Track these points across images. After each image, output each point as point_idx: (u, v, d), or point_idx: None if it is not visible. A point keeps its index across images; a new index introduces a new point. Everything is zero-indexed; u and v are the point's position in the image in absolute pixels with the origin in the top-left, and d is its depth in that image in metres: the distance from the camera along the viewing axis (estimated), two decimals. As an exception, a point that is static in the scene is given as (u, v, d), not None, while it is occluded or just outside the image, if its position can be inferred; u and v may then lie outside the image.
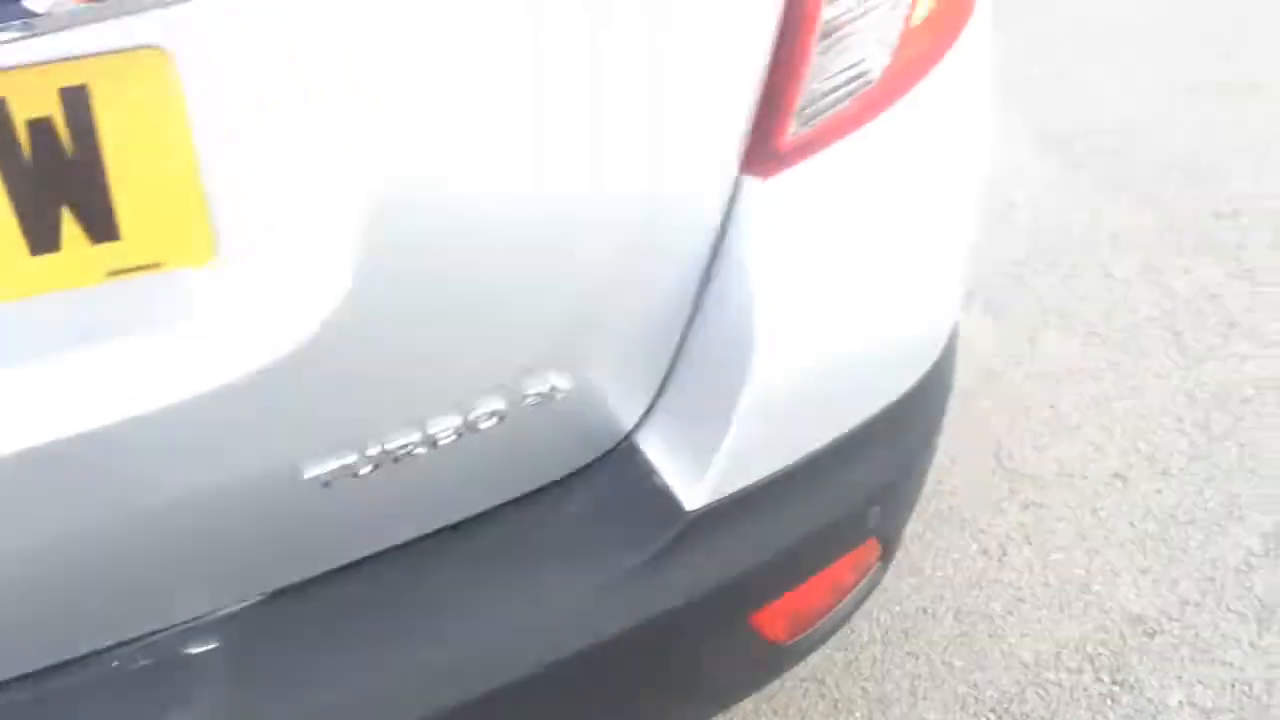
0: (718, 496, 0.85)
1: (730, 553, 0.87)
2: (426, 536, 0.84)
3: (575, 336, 0.79)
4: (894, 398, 0.92)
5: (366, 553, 0.82)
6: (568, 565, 0.84)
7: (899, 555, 1.69)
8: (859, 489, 0.93)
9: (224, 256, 0.66)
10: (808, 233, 0.81)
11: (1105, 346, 2.01)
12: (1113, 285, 2.13)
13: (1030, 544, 1.72)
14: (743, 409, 0.82)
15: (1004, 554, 1.71)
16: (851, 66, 0.78)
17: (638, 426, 0.89)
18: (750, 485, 0.86)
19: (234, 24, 0.59)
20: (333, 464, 0.76)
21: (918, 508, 1.72)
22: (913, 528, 1.74)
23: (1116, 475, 1.81)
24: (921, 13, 0.80)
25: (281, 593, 0.82)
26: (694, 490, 0.85)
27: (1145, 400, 1.92)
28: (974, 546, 1.73)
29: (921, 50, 0.82)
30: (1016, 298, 2.10)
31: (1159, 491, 1.78)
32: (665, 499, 0.86)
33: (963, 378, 1.92)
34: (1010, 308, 2.08)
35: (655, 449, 0.88)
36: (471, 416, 0.79)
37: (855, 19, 0.76)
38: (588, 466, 0.89)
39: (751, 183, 0.79)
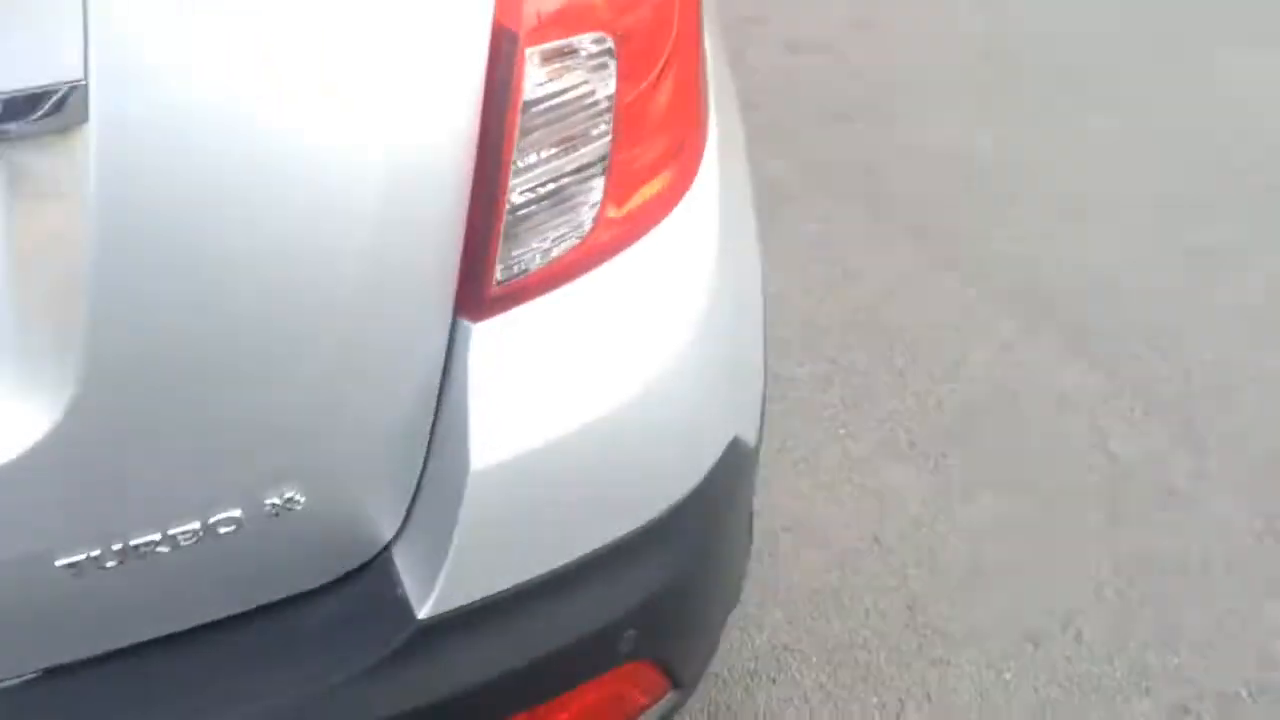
0: (446, 608, 0.94)
1: (458, 664, 0.94)
2: (183, 632, 0.94)
3: (305, 457, 0.89)
4: (640, 523, 0.99)
5: (119, 643, 0.92)
6: (302, 668, 0.93)
7: (800, 706, 1.72)
8: (604, 611, 1.00)
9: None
10: (517, 371, 0.91)
11: (1037, 506, 2.03)
12: (1055, 446, 2.15)
13: (930, 702, 1.73)
14: (460, 530, 0.92)
15: (901, 709, 1.72)
16: (548, 236, 0.89)
17: (394, 540, 0.98)
18: (481, 600, 0.94)
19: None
20: (79, 555, 0.86)
21: (825, 656, 1.76)
22: (816, 677, 1.77)
23: (1028, 638, 1.81)
24: (625, 194, 0.92)
25: (43, 676, 0.92)
26: (425, 601, 0.94)
27: (1069, 563, 1.93)
28: (874, 700, 1.74)
29: (629, 221, 0.93)
30: (955, 452, 2.13)
31: (1068, 658, 1.78)
32: (403, 608, 0.94)
33: (886, 528, 1.97)
34: (947, 462, 2.11)
35: (403, 562, 0.97)
36: (210, 521, 0.89)
37: (544, 201, 0.88)
38: (346, 575, 0.98)
39: (465, 325, 0.90)
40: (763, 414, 1.25)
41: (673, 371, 0.96)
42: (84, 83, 0.72)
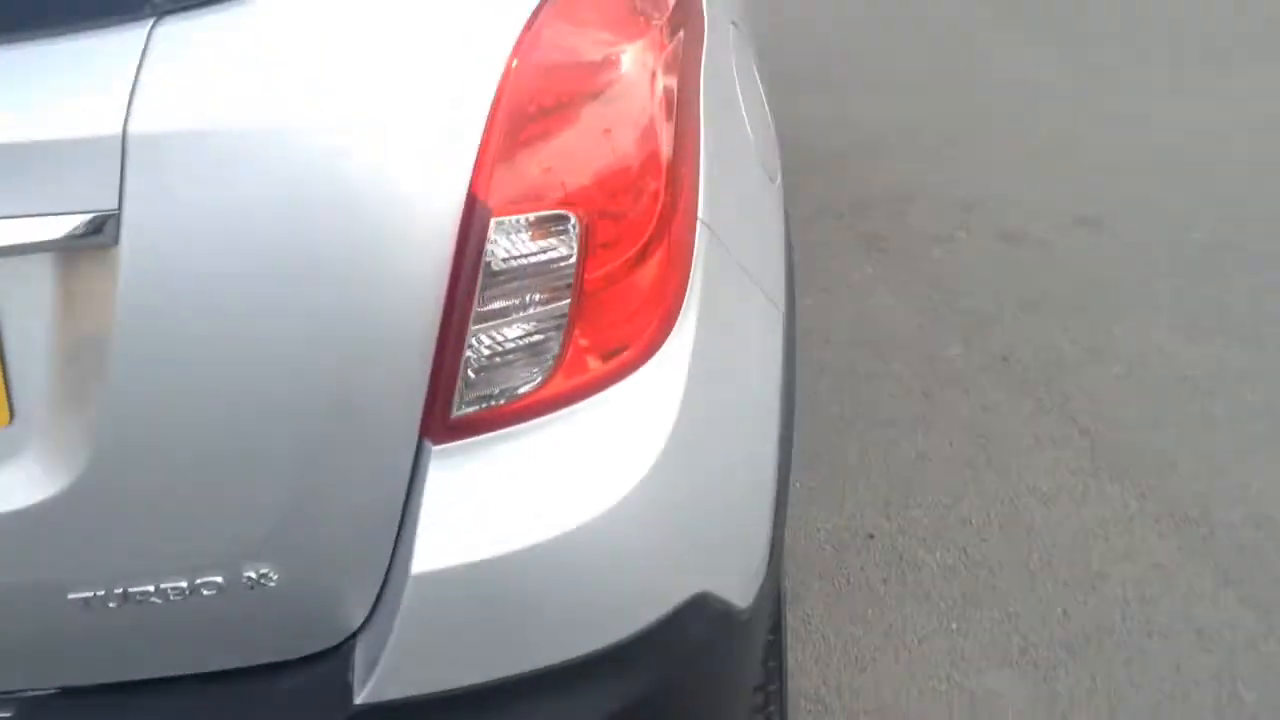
0: (379, 699, 1.05)
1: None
2: (164, 679, 1.10)
3: (281, 542, 1.04)
4: (569, 657, 1.07)
5: (110, 677, 1.09)
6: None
7: None
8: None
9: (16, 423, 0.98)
10: (465, 491, 1.03)
11: (1141, 741, 1.91)
12: (1180, 682, 2.02)
13: None
14: (399, 627, 1.03)
15: None
16: (499, 384, 1.01)
17: (359, 631, 1.10)
18: (411, 697, 1.05)
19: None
20: (87, 592, 1.04)
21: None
22: None
23: None
24: (580, 357, 1.03)
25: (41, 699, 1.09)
26: (363, 689, 1.05)
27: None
28: None
29: (582, 381, 1.04)
30: (1068, 669, 2.04)
31: None
32: (346, 693, 1.06)
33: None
34: (1056, 677, 2.02)
35: (361, 652, 1.09)
36: (196, 582, 1.05)
37: (500, 354, 1.00)
38: (314, 655, 1.11)
39: (428, 445, 1.02)
40: (770, 579, 1.30)
41: (608, 517, 1.05)
42: (116, 213, 0.91)
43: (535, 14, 0.99)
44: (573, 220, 1.00)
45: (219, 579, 1.04)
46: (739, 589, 1.23)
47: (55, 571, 1.03)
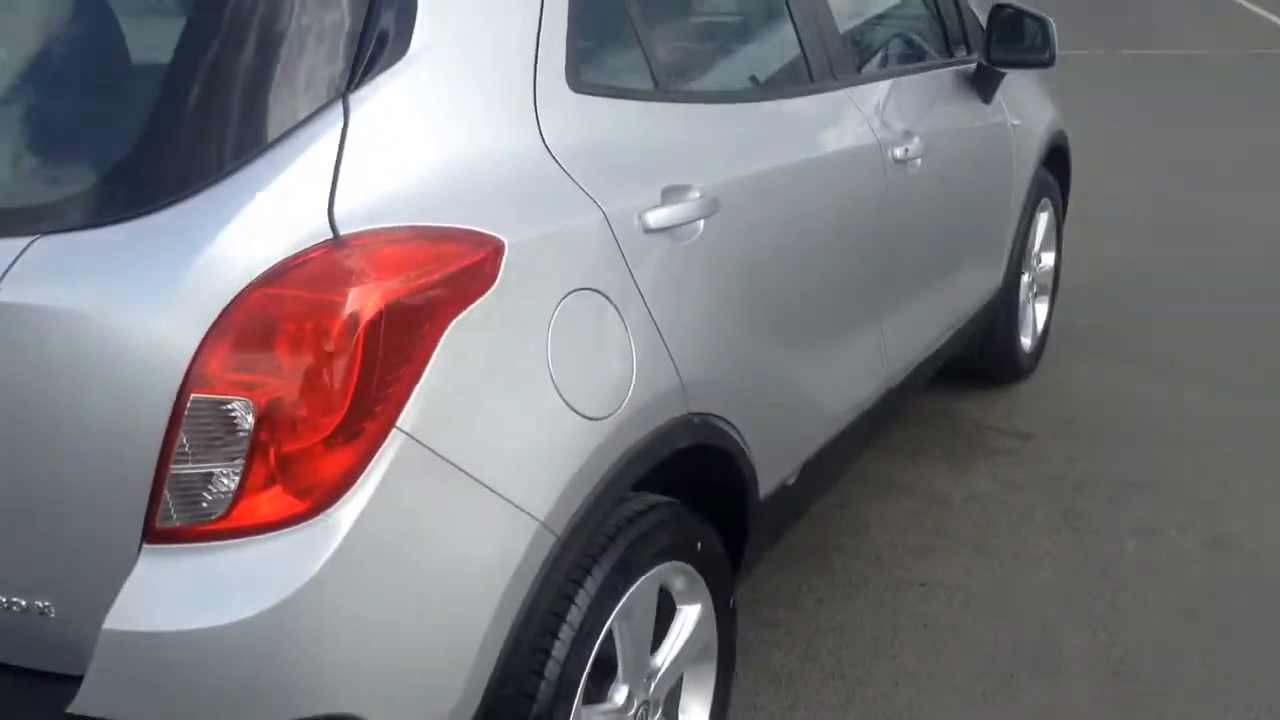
0: (78, 711, 1.48)
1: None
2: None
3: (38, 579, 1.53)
4: None
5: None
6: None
7: None
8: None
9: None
10: (160, 579, 1.45)
11: None
12: None
13: None
14: (91, 668, 1.48)
15: None
16: (184, 512, 1.44)
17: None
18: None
19: None
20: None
21: None
22: None
23: None
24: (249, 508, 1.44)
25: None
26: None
27: None
28: None
29: (252, 519, 1.43)
30: None
31: None
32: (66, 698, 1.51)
33: None
34: None
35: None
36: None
37: (189, 490, 1.44)
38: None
39: (147, 549, 1.46)
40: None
41: (244, 625, 1.43)
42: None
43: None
44: (250, 405, 1.42)
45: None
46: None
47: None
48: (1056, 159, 4.34)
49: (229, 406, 1.43)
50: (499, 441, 1.62)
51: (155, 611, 1.46)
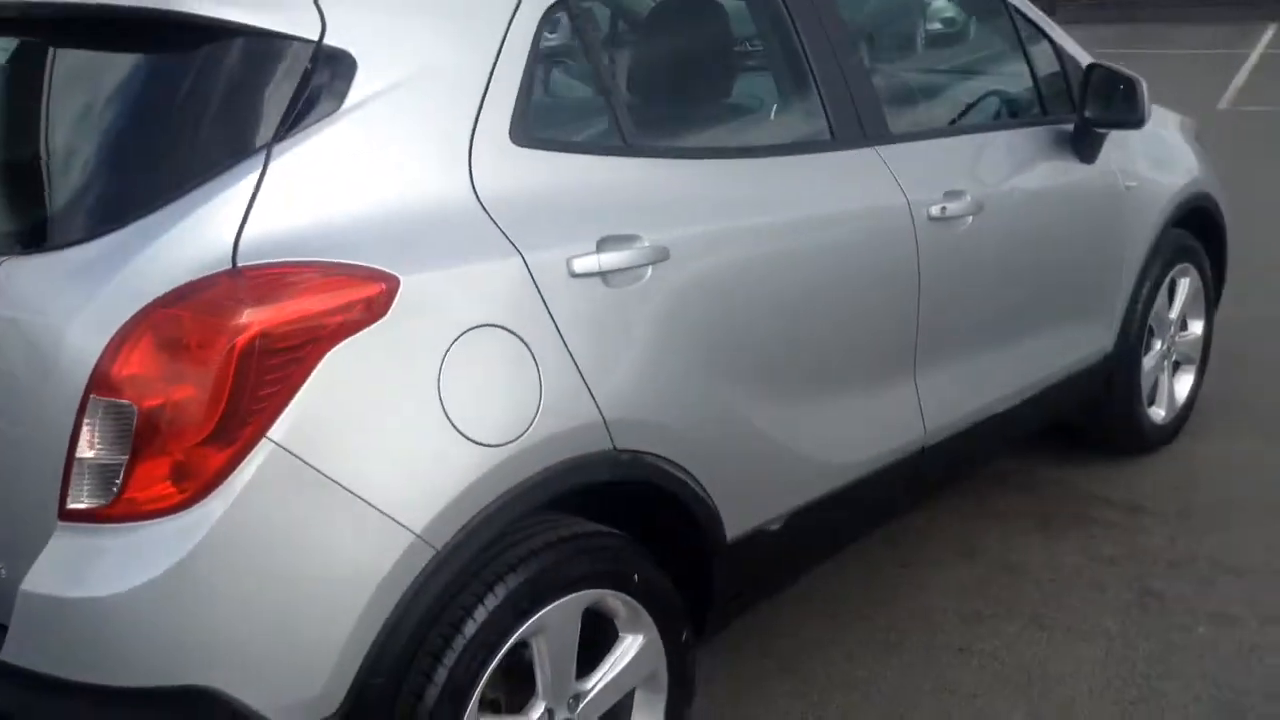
0: (6, 659, 1.76)
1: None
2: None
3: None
4: (109, 684, 1.73)
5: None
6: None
7: None
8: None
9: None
10: (68, 551, 1.71)
11: None
12: None
13: None
14: (14, 621, 1.75)
15: None
16: (87, 498, 1.69)
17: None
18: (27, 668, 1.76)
19: None
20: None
21: None
22: None
23: None
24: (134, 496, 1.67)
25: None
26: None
27: None
28: None
29: (135, 507, 1.67)
30: None
31: None
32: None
33: None
34: None
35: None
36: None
37: (87, 479, 1.70)
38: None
39: (60, 525, 1.73)
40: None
41: (120, 598, 1.68)
42: None
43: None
44: (132, 408, 1.66)
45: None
46: (271, 705, 1.72)
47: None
48: (1199, 221, 4.11)
49: (121, 407, 1.68)
50: (378, 458, 1.80)
51: (57, 579, 1.73)
